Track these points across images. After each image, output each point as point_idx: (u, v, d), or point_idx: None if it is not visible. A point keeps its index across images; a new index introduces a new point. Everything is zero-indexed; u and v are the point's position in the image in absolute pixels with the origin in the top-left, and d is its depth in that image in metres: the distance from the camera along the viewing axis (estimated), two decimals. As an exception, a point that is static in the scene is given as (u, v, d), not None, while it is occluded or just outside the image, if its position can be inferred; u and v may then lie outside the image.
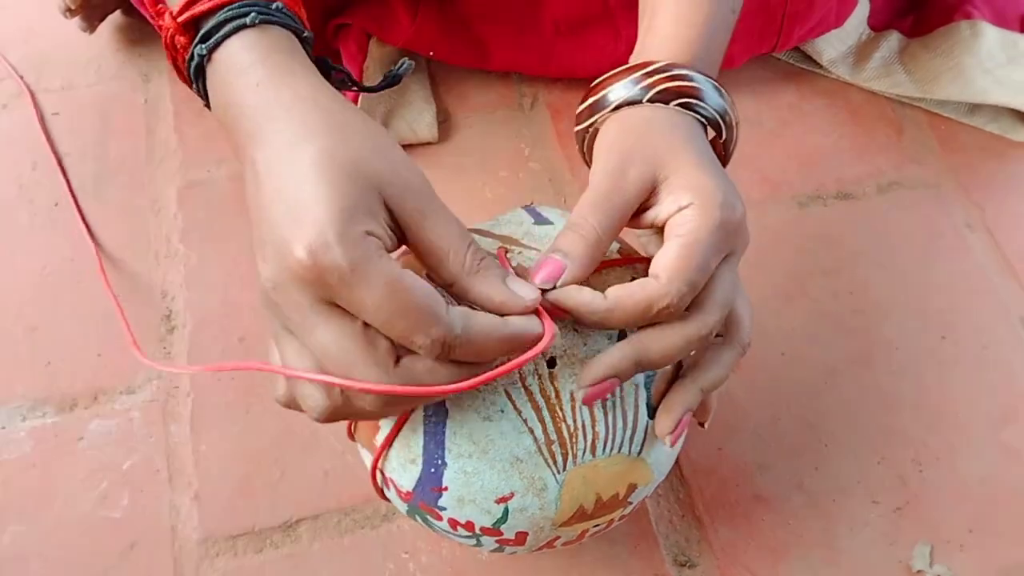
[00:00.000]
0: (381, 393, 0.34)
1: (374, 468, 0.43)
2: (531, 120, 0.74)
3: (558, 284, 0.38)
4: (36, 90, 0.74)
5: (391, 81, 0.46)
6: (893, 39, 0.77)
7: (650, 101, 0.42)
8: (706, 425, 0.46)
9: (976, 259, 0.68)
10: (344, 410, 0.36)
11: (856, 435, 0.60)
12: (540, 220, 0.45)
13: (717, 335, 0.42)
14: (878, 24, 0.77)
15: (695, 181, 0.40)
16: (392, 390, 0.34)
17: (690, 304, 0.39)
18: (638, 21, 0.49)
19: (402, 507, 0.45)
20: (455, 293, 0.37)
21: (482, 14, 0.71)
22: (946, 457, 0.60)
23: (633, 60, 0.46)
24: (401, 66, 0.46)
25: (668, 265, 0.38)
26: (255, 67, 0.38)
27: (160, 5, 0.41)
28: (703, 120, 0.43)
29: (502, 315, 0.36)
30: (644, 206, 0.41)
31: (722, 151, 0.46)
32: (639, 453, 0.42)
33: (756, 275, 0.66)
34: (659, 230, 0.41)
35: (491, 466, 0.40)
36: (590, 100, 0.45)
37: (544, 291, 0.38)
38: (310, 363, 0.36)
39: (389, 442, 0.41)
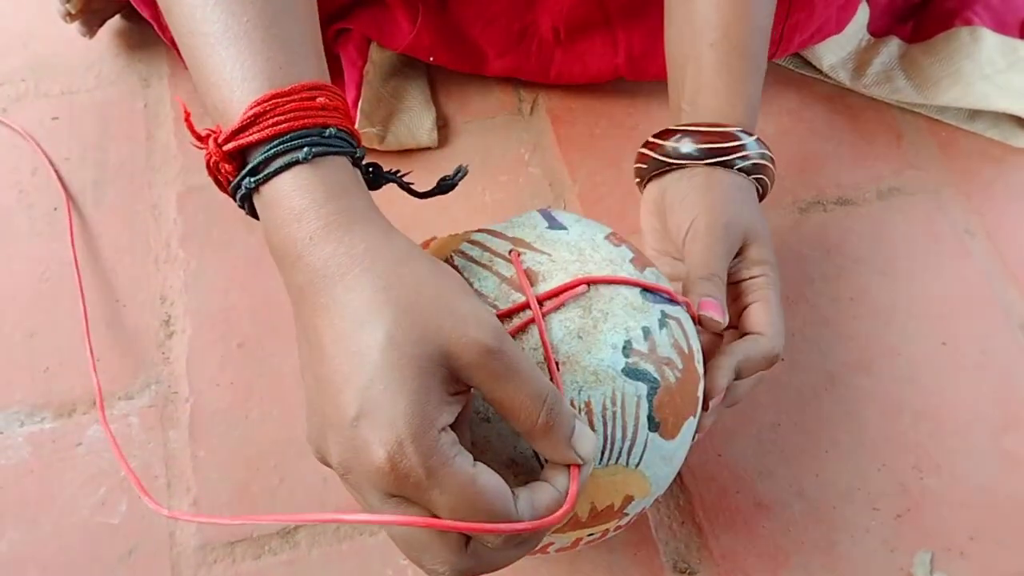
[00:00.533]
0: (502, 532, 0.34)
1: None
2: (531, 125, 0.74)
3: (723, 320, 0.48)
4: (36, 95, 0.74)
5: (445, 188, 0.44)
6: (893, 45, 0.77)
7: (707, 160, 0.52)
8: (713, 402, 0.48)
9: (976, 265, 0.68)
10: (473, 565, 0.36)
11: (857, 442, 0.60)
12: (554, 225, 0.45)
13: None
14: (878, 30, 0.77)
15: (767, 254, 0.52)
16: (515, 528, 0.34)
17: (761, 327, 0.50)
18: (678, 75, 0.57)
19: None
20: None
21: (482, 20, 0.71)
22: (947, 464, 0.60)
23: (687, 120, 0.55)
24: (457, 174, 0.44)
25: (768, 322, 0.50)
26: (309, 215, 0.36)
27: (206, 129, 0.38)
28: (755, 179, 0.54)
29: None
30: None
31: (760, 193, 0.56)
32: (637, 465, 0.42)
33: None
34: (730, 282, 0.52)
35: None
36: (651, 150, 0.55)
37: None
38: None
39: None
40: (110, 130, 0.72)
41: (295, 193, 0.36)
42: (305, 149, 0.36)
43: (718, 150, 0.52)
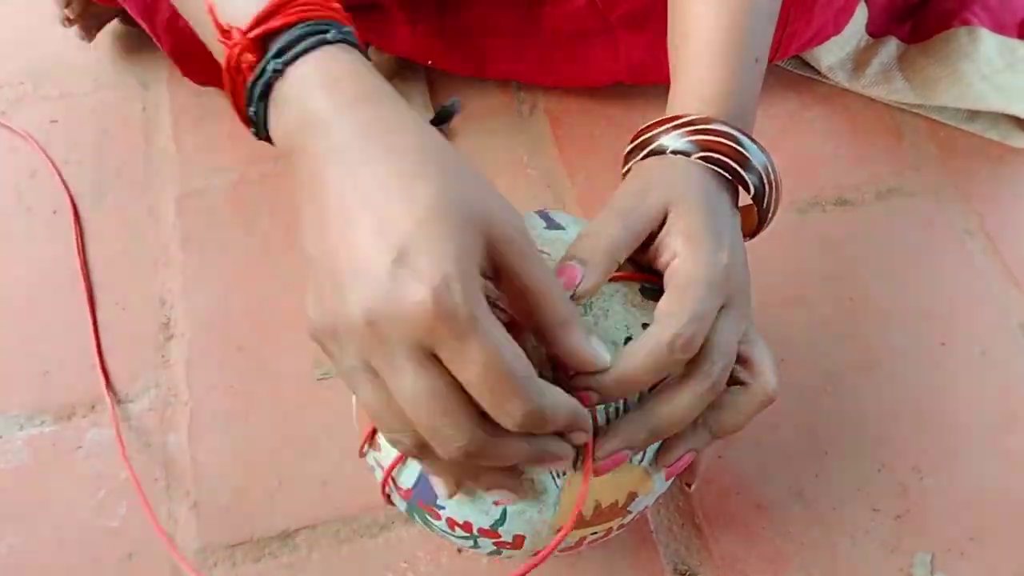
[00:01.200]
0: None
1: (387, 477, 0.43)
2: (530, 127, 0.74)
3: (577, 291, 0.39)
4: (35, 98, 0.74)
5: (443, 117, 0.44)
6: (892, 45, 0.77)
7: (689, 152, 0.44)
8: (692, 487, 0.48)
9: (976, 265, 0.68)
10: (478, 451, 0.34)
11: (856, 442, 0.60)
12: (552, 225, 0.45)
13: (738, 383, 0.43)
14: (877, 30, 0.77)
15: (690, 226, 0.41)
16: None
17: (695, 363, 0.40)
18: (669, 69, 0.51)
19: (402, 505, 0.45)
20: (539, 339, 0.37)
21: (481, 25, 0.71)
22: (946, 464, 0.60)
23: (671, 111, 0.47)
24: (452, 105, 0.45)
25: (669, 306, 0.39)
26: (345, 83, 0.36)
27: (227, 30, 0.38)
28: (730, 177, 0.44)
29: (577, 371, 0.37)
30: (647, 240, 0.42)
31: (756, 211, 0.46)
32: (640, 462, 0.42)
33: (755, 281, 0.66)
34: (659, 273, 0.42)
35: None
36: (636, 142, 0.46)
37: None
38: (384, 404, 0.34)
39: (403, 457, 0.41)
40: (109, 133, 0.72)
41: (331, 63, 0.36)
42: (332, 31, 0.36)
43: (715, 156, 0.45)
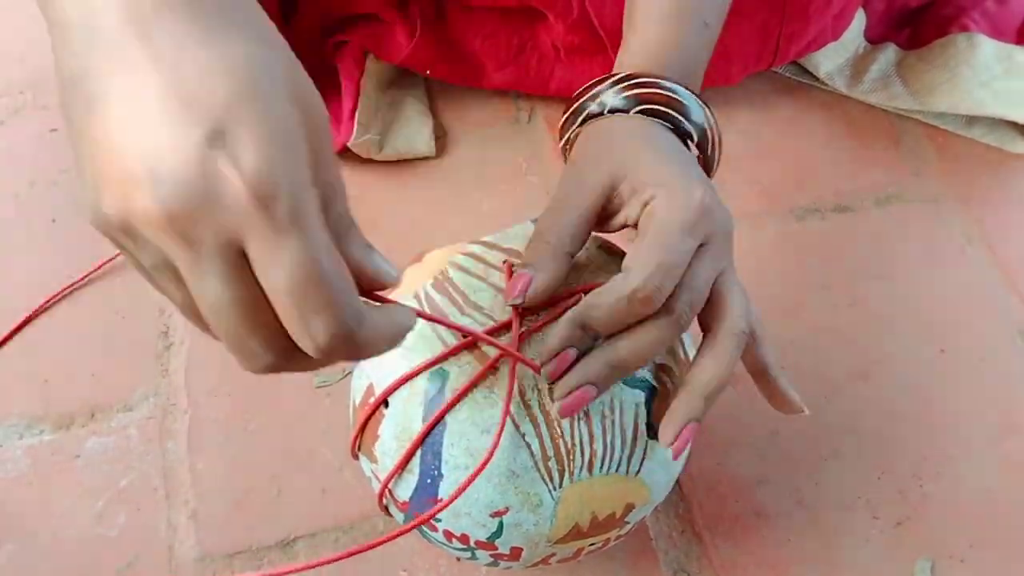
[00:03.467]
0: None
1: (383, 489, 0.43)
2: (529, 134, 0.74)
3: (528, 295, 0.39)
4: (34, 108, 0.74)
5: None
6: (890, 52, 0.77)
7: (628, 110, 0.43)
8: (806, 410, 0.45)
9: (975, 271, 0.68)
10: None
11: (856, 449, 0.60)
12: None
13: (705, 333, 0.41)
14: (875, 37, 0.78)
15: (654, 174, 0.40)
16: None
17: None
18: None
19: (399, 517, 0.45)
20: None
21: (481, 35, 0.71)
22: (947, 471, 0.59)
23: (613, 71, 0.46)
24: None
25: (637, 256, 0.38)
26: None
27: None
28: (675, 127, 0.43)
29: (370, 287, 0.32)
30: (611, 210, 0.41)
31: (702, 160, 0.45)
32: (637, 473, 0.42)
33: (754, 288, 0.66)
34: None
35: (487, 479, 0.40)
36: (570, 110, 0.45)
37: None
38: (191, 307, 0.29)
39: (403, 464, 0.41)
40: (108, 142, 0.72)
41: None
42: None
43: (652, 107, 0.43)
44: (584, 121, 0.44)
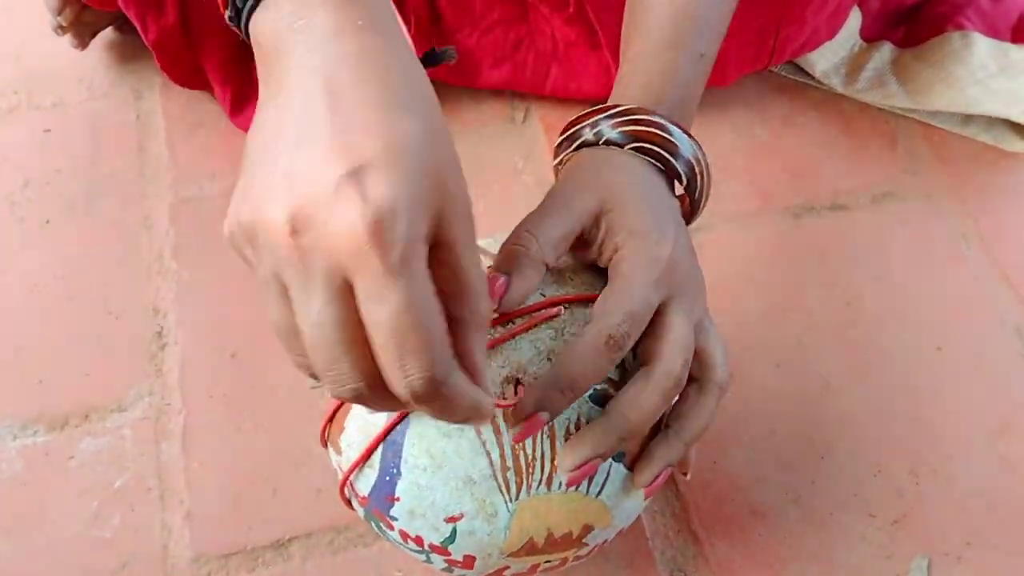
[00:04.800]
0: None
1: (345, 480, 0.43)
2: (524, 134, 0.74)
3: (503, 303, 0.39)
4: (28, 108, 0.74)
5: (429, 61, 0.42)
6: (885, 50, 0.77)
7: (622, 145, 0.44)
8: (688, 476, 0.46)
9: (971, 270, 0.68)
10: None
11: (852, 447, 0.60)
12: None
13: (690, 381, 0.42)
14: (870, 36, 0.78)
15: (631, 221, 0.41)
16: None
17: (649, 358, 0.39)
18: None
19: (360, 512, 0.45)
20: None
21: (477, 31, 0.71)
22: (943, 469, 0.59)
23: (611, 101, 0.47)
24: (445, 52, 0.42)
25: (605, 304, 0.39)
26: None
27: None
28: (663, 168, 0.44)
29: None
30: (587, 238, 0.42)
31: (688, 201, 0.46)
32: (598, 495, 0.41)
33: (750, 287, 0.66)
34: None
35: (444, 483, 0.39)
36: (566, 134, 0.46)
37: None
38: (289, 325, 0.32)
39: (365, 457, 0.41)
40: (102, 142, 0.72)
41: None
42: None
43: (645, 146, 0.44)
44: (579, 147, 0.45)
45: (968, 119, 0.75)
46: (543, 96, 0.75)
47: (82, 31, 0.74)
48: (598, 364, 0.38)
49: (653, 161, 0.44)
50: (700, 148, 0.45)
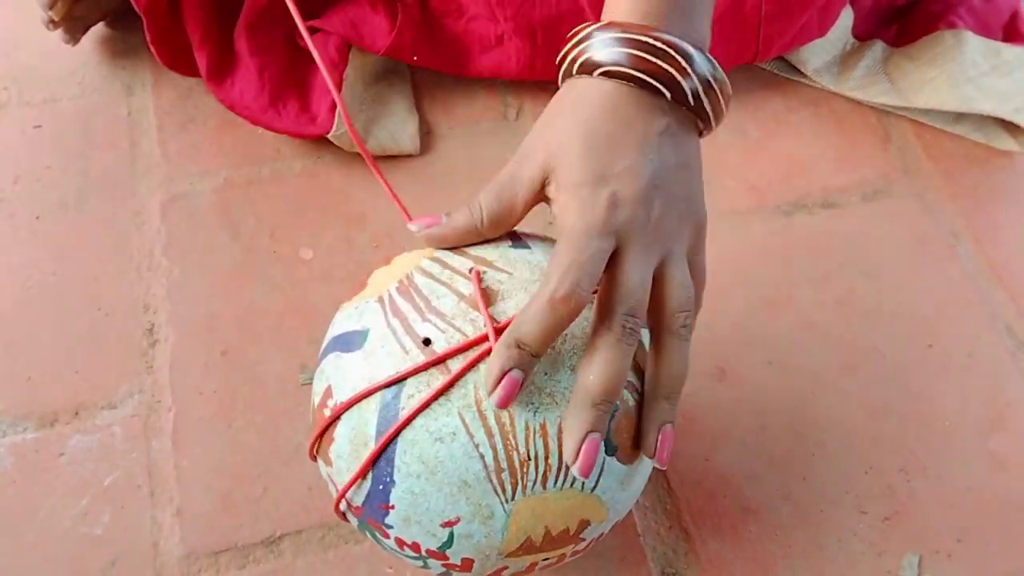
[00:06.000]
0: None
1: (341, 496, 0.43)
2: (517, 130, 0.74)
3: (423, 231, 0.44)
4: (19, 103, 0.74)
5: None
6: (877, 48, 0.77)
7: (613, 67, 0.42)
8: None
9: (962, 267, 0.68)
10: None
11: (844, 444, 0.60)
12: (518, 244, 0.44)
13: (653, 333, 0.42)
14: (862, 33, 0.78)
15: (573, 175, 0.41)
16: None
17: (600, 313, 0.40)
18: None
19: (354, 521, 0.44)
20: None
21: (465, 16, 0.71)
22: (934, 466, 0.59)
23: (606, 17, 0.45)
24: None
25: (551, 263, 0.39)
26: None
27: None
28: (656, 91, 0.42)
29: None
30: (548, 197, 0.43)
31: (702, 118, 0.44)
32: (593, 489, 0.41)
33: (741, 285, 0.66)
34: None
35: (439, 488, 0.39)
36: (560, 55, 0.45)
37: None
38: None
39: (361, 474, 0.41)
40: (93, 138, 0.72)
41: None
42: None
43: (648, 61, 0.42)
44: (566, 72, 0.45)
45: (960, 117, 0.75)
46: (537, 92, 0.75)
47: (73, 26, 0.73)
48: (549, 320, 0.38)
49: (631, 84, 0.42)
50: (716, 65, 0.43)
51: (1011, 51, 0.74)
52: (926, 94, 0.73)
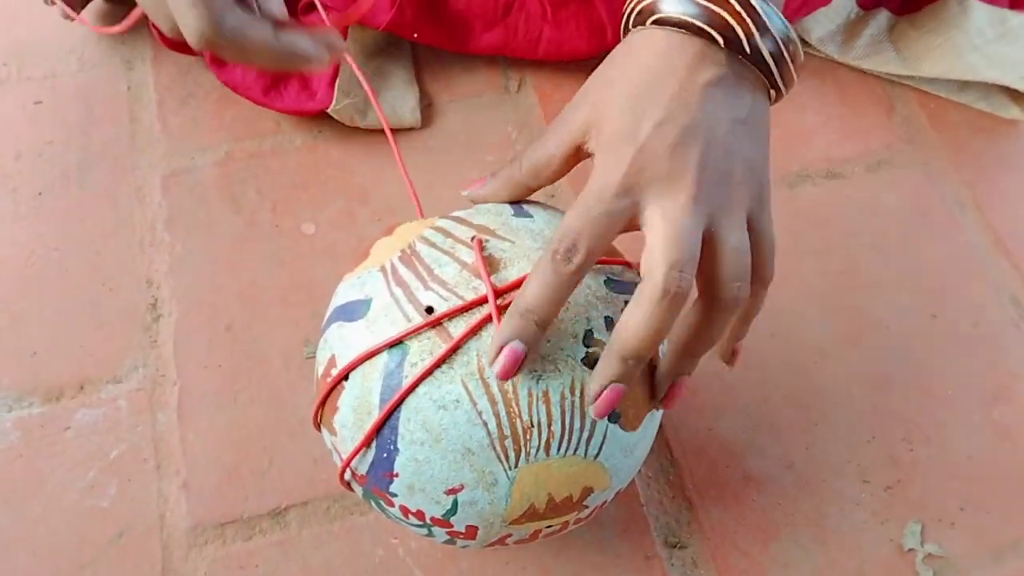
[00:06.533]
0: None
1: (345, 466, 0.43)
2: (518, 103, 0.74)
3: (470, 193, 0.45)
4: (19, 79, 0.73)
5: None
6: (882, 17, 0.76)
7: (678, 20, 0.39)
8: (733, 366, 0.47)
9: (967, 237, 0.68)
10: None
11: (847, 414, 0.60)
12: (520, 212, 0.44)
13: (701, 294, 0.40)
14: (867, 2, 0.77)
15: (606, 127, 0.39)
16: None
17: (645, 270, 0.38)
18: None
19: (359, 490, 0.45)
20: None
21: None
22: (937, 436, 0.60)
23: None
24: None
25: (561, 223, 0.39)
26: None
27: None
28: (719, 40, 0.39)
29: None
30: (588, 151, 0.41)
31: (772, 82, 0.41)
32: (596, 456, 0.41)
33: (745, 256, 0.66)
34: None
35: (442, 456, 0.39)
36: (630, 6, 0.42)
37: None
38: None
39: (366, 443, 0.41)
40: (94, 113, 0.72)
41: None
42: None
43: (712, 11, 0.39)
44: (630, 19, 0.42)
45: (965, 86, 0.75)
46: (538, 66, 0.75)
47: (72, 1, 0.73)
48: (552, 283, 0.37)
49: (683, 31, 0.39)
50: (783, 20, 0.40)
51: (1017, 18, 0.73)
52: (931, 62, 0.73)
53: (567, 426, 0.40)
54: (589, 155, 0.41)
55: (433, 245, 0.43)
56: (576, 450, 0.40)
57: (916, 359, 0.63)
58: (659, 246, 0.37)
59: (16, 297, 0.63)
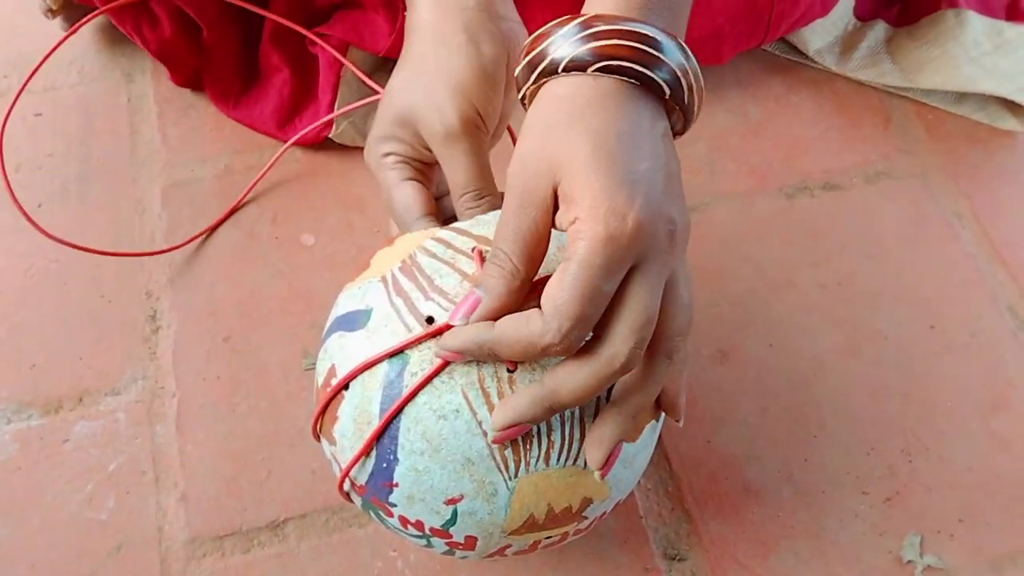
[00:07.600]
0: None
1: (344, 476, 0.43)
2: (514, 116, 0.74)
3: (471, 319, 0.38)
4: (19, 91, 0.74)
5: None
6: (879, 29, 0.76)
7: (586, 66, 0.37)
8: (680, 422, 0.42)
9: (964, 248, 0.68)
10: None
11: (845, 426, 0.60)
12: None
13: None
14: (864, 14, 0.77)
15: (584, 186, 0.35)
16: None
17: (598, 332, 0.36)
18: None
19: (358, 501, 0.45)
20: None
21: None
22: (935, 447, 0.60)
23: (583, 10, 0.40)
24: None
25: (551, 296, 0.35)
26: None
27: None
28: (641, 83, 0.38)
29: None
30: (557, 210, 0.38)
31: (682, 117, 0.40)
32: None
33: (744, 267, 0.66)
34: None
35: (442, 466, 0.39)
36: (527, 59, 0.39)
37: None
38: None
39: (364, 452, 0.41)
40: (93, 125, 0.72)
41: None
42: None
43: (614, 63, 0.37)
44: (539, 76, 0.39)
45: (962, 97, 0.75)
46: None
47: (72, 14, 0.73)
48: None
49: (626, 78, 0.37)
50: (687, 54, 0.38)
51: (1013, 30, 0.73)
52: (928, 74, 0.73)
53: (567, 436, 0.40)
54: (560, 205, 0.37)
55: (434, 256, 0.43)
56: (576, 460, 0.40)
57: (914, 370, 0.63)
58: (632, 323, 0.36)
59: (15, 309, 0.63)
